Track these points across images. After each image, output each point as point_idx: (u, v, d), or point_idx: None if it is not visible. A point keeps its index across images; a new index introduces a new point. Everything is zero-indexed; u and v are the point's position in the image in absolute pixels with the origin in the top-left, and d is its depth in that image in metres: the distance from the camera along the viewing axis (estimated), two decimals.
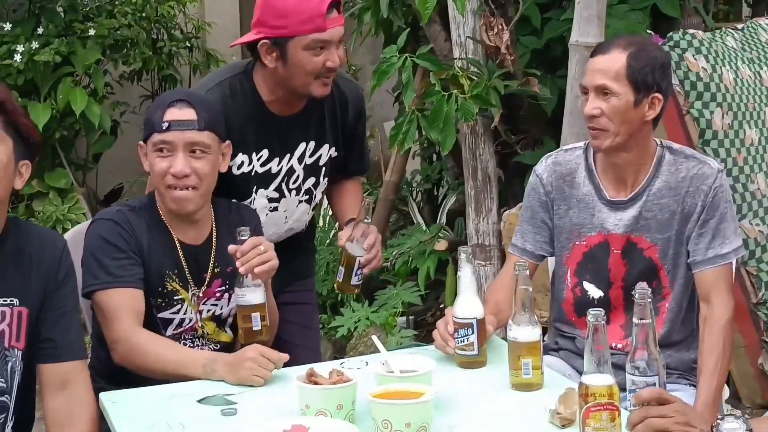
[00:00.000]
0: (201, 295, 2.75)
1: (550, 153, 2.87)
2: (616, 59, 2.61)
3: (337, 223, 3.32)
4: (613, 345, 2.71)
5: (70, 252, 2.47)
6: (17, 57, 5.31)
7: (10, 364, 2.33)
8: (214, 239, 2.76)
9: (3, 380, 2.32)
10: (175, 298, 2.71)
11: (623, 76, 2.60)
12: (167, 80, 6.27)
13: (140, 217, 2.70)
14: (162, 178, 2.65)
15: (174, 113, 2.65)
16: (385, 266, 5.13)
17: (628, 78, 2.60)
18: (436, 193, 5.72)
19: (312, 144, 2.99)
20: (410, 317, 4.95)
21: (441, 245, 4.86)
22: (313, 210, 3.17)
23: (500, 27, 4.21)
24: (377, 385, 2.21)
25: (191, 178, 2.64)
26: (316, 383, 2.19)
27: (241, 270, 2.59)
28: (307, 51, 2.77)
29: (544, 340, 2.96)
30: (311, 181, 3.05)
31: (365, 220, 2.97)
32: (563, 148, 2.88)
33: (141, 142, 2.72)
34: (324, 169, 3.05)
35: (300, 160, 2.99)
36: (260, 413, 2.26)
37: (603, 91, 2.61)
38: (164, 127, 2.64)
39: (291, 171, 2.97)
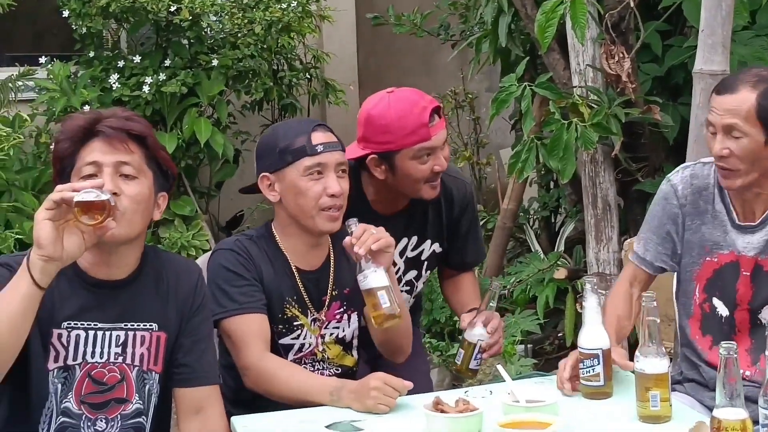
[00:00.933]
0: (323, 318, 2.80)
1: (686, 164, 2.82)
2: (746, 99, 2.54)
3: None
4: (742, 372, 2.67)
5: (205, 280, 2.56)
6: (146, 88, 5.48)
7: (147, 386, 2.42)
8: (332, 262, 2.82)
9: (141, 402, 2.41)
10: (294, 323, 2.77)
11: (754, 117, 2.54)
12: (287, 109, 6.39)
13: (258, 246, 2.77)
14: (317, 201, 2.69)
15: (320, 137, 2.71)
16: (503, 294, 5.13)
17: (759, 118, 2.54)
18: (553, 220, 5.70)
19: (414, 239, 3.08)
20: (528, 346, 4.93)
21: (560, 273, 4.84)
22: (414, 298, 3.23)
23: (621, 55, 4.19)
24: (503, 414, 2.23)
25: (341, 198, 2.71)
26: (442, 411, 2.22)
27: (359, 251, 2.60)
28: (414, 160, 2.87)
29: (672, 372, 2.94)
30: (412, 273, 3.13)
31: (490, 305, 2.97)
32: (701, 161, 2.81)
33: (266, 173, 2.76)
34: (426, 263, 3.14)
35: (401, 254, 3.06)
36: None
37: (732, 132, 2.56)
38: (319, 150, 2.69)
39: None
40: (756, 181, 2.62)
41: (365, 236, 2.62)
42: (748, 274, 2.67)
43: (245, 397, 2.66)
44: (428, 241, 3.10)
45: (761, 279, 2.67)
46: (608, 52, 4.22)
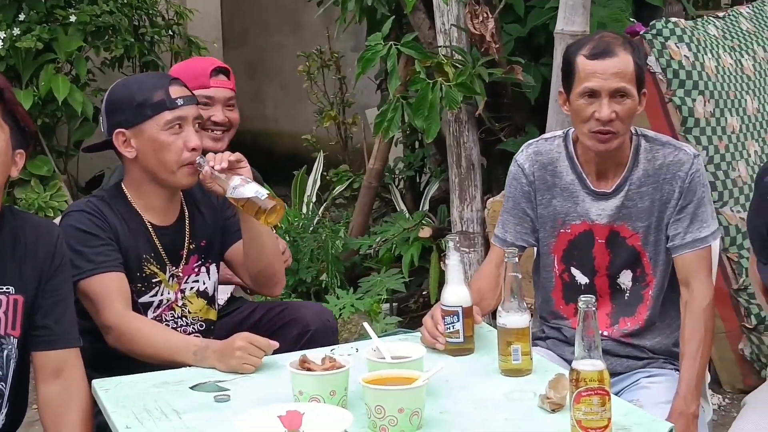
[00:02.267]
0: (181, 274, 2.78)
1: (529, 142, 2.87)
2: (628, 61, 2.61)
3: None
4: (600, 332, 2.75)
5: (65, 238, 2.49)
6: None
7: (6, 351, 2.34)
8: (186, 216, 2.80)
9: None
10: (153, 281, 2.74)
11: (634, 78, 2.62)
12: (149, 66, 6.26)
13: (110, 206, 2.71)
14: (179, 155, 2.67)
15: (178, 91, 2.70)
16: (369, 253, 5.16)
17: (636, 79, 2.62)
18: (418, 180, 5.74)
19: None
20: (394, 304, 4.98)
21: (425, 232, 4.89)
22: None
23: (485, 15, 4.23)
24: (369, 371, 2.24)
25: (199, 151, 2.69)
26: (309, 369, 2.22)
27: (220, 166, 2.64)
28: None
29: (531, 329, 3.01)
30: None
31: None
32: (543, 137, 2.87)
33: (122, 129, 2.70)
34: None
35: None
36: (253, 400, 2.27)
37: (620, 95, 2.61)
38: (179, 104, 2.67)
39: None
40: (620, 143, 2.68)
41: (216, 157, 2.66)
42: (603, 241, 2.74)
43: (104, 362, 2.60)
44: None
45: (618, 245, 2.74)
46: (473, 12, 4.26)
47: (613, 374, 2.71)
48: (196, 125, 2.71)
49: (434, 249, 4.84)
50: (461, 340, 2.51)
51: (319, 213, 5.74)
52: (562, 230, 2.79)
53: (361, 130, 6.30)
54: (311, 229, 5.40)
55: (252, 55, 9.20)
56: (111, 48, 5.85)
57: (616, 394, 2.68)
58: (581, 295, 2.02)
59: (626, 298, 2.77)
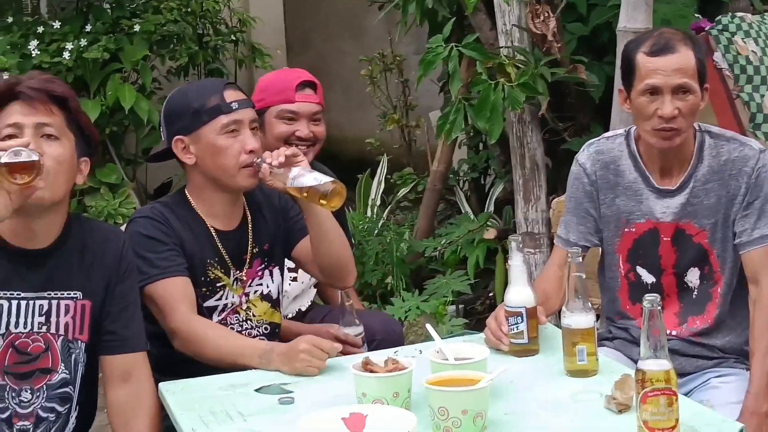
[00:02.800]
0: (245, 278, 2.79)
1: (591, 141, 2.85)
2: (689, 56, 2.59)
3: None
4: (668, 332, 2.72)
5: (130, 244, 2.52)
6: (66, 54, 5.39)
7: (74, 355, 2.39)
8: (249, 220, 2.82)
9: (67, 371, 2.38)
10: (217, 285, 2.76)
11: (696, 74, 2.59)
12: (213, 74, 6.32)
13: (174, 212, 2.74)
14: (237, 158, 2.69)
15: (233, 95, 2.73)
16: (434, 255, 5.15)
17: (698, 74, 2.60)
18: (483, 182, 5.72)
19: None
20: (460, 306, 4.96)
21: (490, 234, 4.86)
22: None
23: (546, 14, 4.20)
24: (432, 372, 2.23)
25: (258, 154, 2.71)
26: (372, 371, 2.22)
27: (277, 161, 2.65)
28: (278, 119, 3.18)
29: (597, 329, 2.97)
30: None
31: None
32: (605, 136, 2.85)
33: (181, 137, 2.74)
34: None
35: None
36: (317, 402, 2.28)
37: (682, 91, 2.58)
38: (234, 107, 2.70)
39: None
40: (684, 140, 2.65)
41: (273, 153, 2.68)
42: (669, 239, 2.71)
43: (170, 365, 2.62)
44: None
45: (684, 243, 2.70)
46: (534, 12, 4.23)
47: (682, 374, 2.69)
48: (253, 128, 2.73)
49: (499, 250, 4.82)
50: (525, 341, 2.49)
51: (384, 216, 5.75)
52: (626, 229, 2.76)
53: (425, 132, 6.29)
54: (376, 232, 5.40)
55: (314, 61, 9.24)
56: (176, 56, 5.92)
57: (686, 394, 2.65)
58: (646, 294, 1.99)
59: (694, 296, 2.73)
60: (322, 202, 2.60)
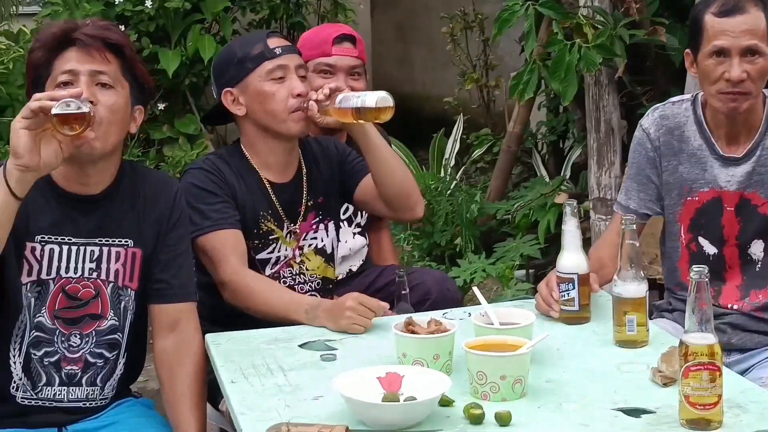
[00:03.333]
0: (298, 231, 2.79)
1: (656, 106, 2.77)
2: (758, 17, 2.49)
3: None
4: (729, 306, 2.64)
5: (183, 196, 2.53)
6: (148, 3, 5.41)
7: (123, 303, 2.40)
8: (303, 173, 2.81)
9: (116, 318, 2.39)
10: (270, 237, 2.75)
11: (765, 34, 2.50)
12: (295, 28, 6.28)
13: (229, 164, 2.75)
14: (285, 103, 2.69)
15: (276, 42, 2.74)
16: (506, 218, 5.09)
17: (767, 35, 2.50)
18: (562, 145, 5.62)
19: None
20: (530, 271, 4.90)
21: (561, 198, 4.77)
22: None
23: None
24: (476, 336, 2.20)
25: (306, 99, 2.70)
26: (413, 332, 2.19)
27: (320, 96, 2.65)
28: (315, 74, 3.07)
29: (658, 301, 2.90)
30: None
31: None
32: (671, 101, 2.76)
33: (229, 89, 2.74)
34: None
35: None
36: (359, 360, 2.27)
37: (751, 53, 2.49)
38: (278, 53, 2.71)
39: None
40: (752, 105, 2.55)
41: (318, 90, 2.69)
42: (732, 209, 2.62)
43: (222, 316, 2.65)
44: None
45: (748, 213, 2.61)
46: None
47: (743, 350, 2.62)
48: (300, 73, 2.73)
49: None
50: (576, 308, 2.45)
51: (457, 177, 5.69)
52: (688, 198, 2.67)
53: (504, 93, 6.20)
54: (448, 192, 5.35)
55: (401, 18, 9.18)
56: (257, 9, 5.90)
57: (746, 370, 2.57)
58: (693, 265, 1.92)
59: (757, 269, 2.63)
60: (374, 117, 2.59)
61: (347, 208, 3.18)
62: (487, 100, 6.27)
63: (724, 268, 2.64)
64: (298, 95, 2.69)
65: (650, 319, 2.76)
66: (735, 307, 2.64)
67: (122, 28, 5.36)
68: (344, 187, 2.89)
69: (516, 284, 4.43)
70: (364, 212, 3.23)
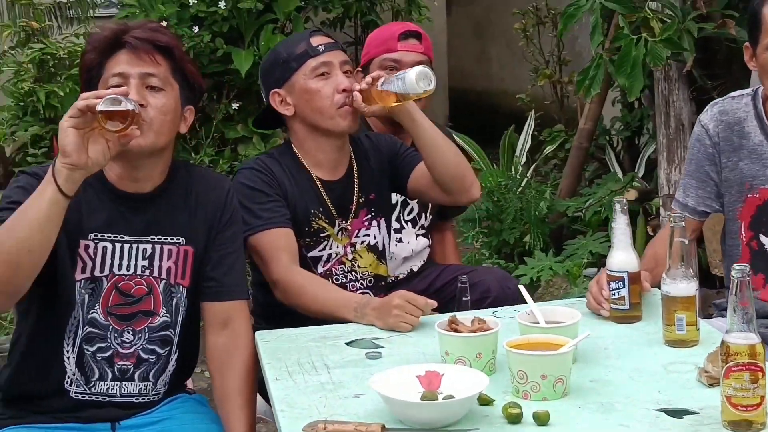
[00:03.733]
0: (350, 228, 2.79)
1: (716, 101, 2.71)
2: None
3: None
4: None
5: (235, 195, 2.55)
6: (221, 4, 5.48)
7: (175, 300, 2.44)
8: (355, 170, 2.81)
9: (168, 315, 2.43)
10: (321, 235, 2.77)
11: None
12: (369, 26, 6.29)
13: (280, 163, 2.77)
14: (332, 99, 2.71)
15: (320, 40, 2.75)
16: (577, 216, 5.03)
17: None
18: (637, 141, 5.54)
19: None
20: (600, 269, 4.83)
21: (630, 194, 4.71)
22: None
23: None
24: (520, 334, 2.19)
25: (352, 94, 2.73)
26: (456, 331, 2.19)
27: (363, 85, 2.66)
28: (383, 69, 3.00)
29: (719, 300, 2.84)
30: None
31: None
32: (731, 95, 2.70)
33: (276, 90, 2.76)
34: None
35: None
36: (403, 358, 2.27)
37: None
38: (321, 50, 2.72)
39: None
40: None
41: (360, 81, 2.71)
42: None
43: (275, 313, 2.67)
44: None
45: None
46: None
47: None
48: (345, 70, 2.73)
49: (641, 212, 4.66)
50: (627, 307, 2.41)
51: (528, 174, 5.64)
52: (749, 195, 2.61)
53: None
54: (518, 189, 5.31)
55: (478, 14, 9.14)
56: (329, 8, 5.93)
57: None
58: (734, 264, 1.88)
59: None
60: (417, 93, 2.58)
61: (411, 209, 3.19)
62: (561, 96, 6.20)
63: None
64: (344, 90, 2.70)
65: (711, 317, 2.72)
66: None
67: (196, 29, 5.47)
68: (397, 179, 2.89)
69: (584, 282, 4.38)
70: (428, 214, 3.23)
